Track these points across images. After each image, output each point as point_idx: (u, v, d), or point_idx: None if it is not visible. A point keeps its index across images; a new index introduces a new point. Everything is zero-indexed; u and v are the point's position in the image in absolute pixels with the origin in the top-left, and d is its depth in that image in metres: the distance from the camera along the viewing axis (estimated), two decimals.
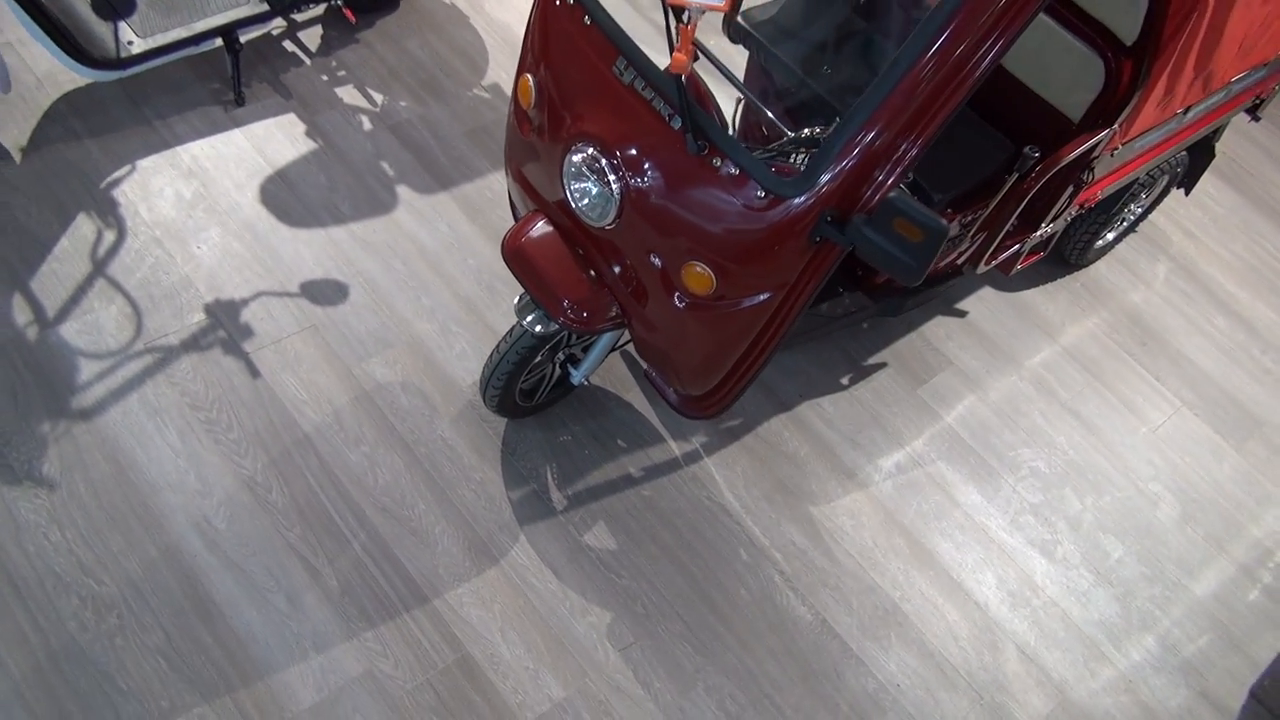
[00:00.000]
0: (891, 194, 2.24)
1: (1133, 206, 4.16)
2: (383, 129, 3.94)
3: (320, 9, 4.15)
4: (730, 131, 2.76)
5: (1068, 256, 4.19)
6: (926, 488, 3.52)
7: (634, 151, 2.55)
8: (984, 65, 2.22)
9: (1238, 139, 5.13)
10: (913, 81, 2.24)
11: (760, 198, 2.40)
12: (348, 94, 4.02)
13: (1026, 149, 3.04)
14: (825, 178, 2.33)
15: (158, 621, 2.75)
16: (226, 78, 3.90)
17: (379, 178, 3.80)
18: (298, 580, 2.89)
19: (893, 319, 3.94)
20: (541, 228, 2.89)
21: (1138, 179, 3.81)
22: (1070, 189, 3.27)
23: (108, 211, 3.48)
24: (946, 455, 3.61)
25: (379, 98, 4.03)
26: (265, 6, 3.81)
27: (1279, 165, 5.07)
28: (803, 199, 2.36)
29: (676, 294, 2.64)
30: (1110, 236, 4.31)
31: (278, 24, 4.11)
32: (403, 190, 3.79)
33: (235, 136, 3.79)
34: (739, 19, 3.46)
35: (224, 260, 3.46)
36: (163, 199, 3.56)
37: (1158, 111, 3.22)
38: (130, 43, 3.58)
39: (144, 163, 3.64)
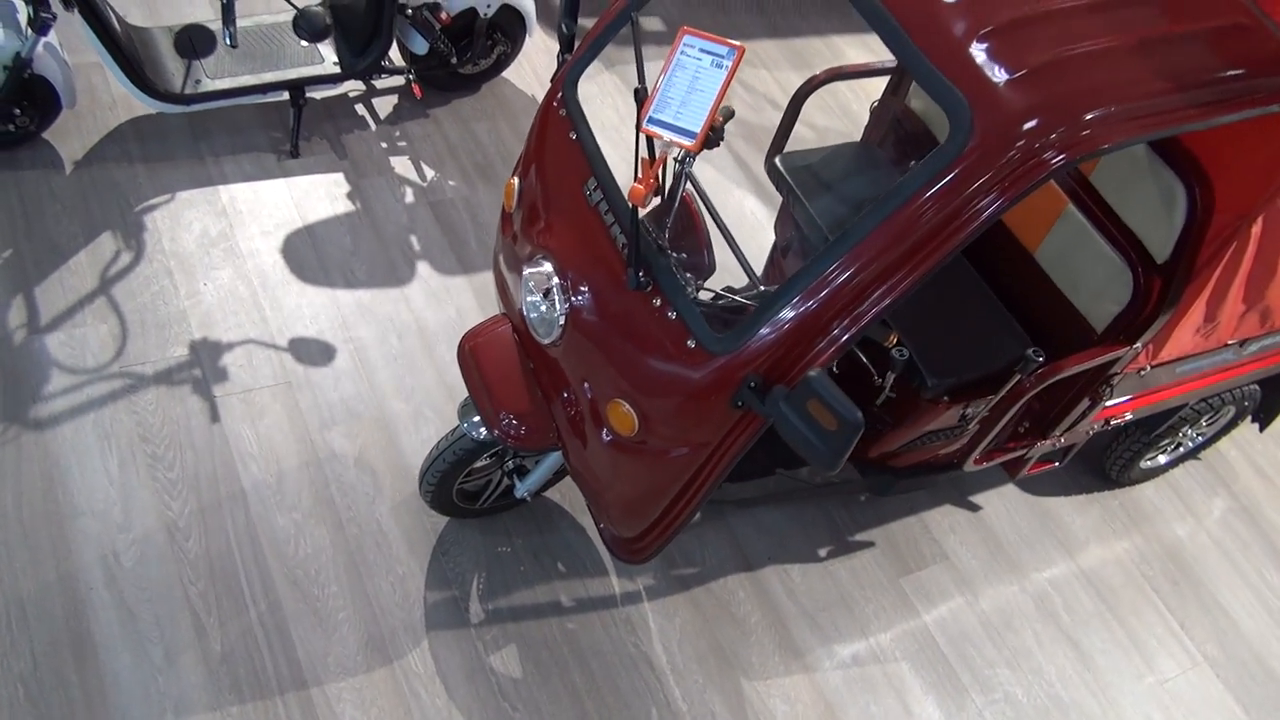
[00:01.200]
0: (812, 373, 2.06)
1: (1189, 431, 3.81)
2: (423, 204, 3.97)
3: (398, 80, 4.24)
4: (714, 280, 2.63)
5: (1108, 471, 3.86)
6: (881, 688, 3.22)
7: (584, 275, 2.46)
8: (922, 268, 2.04)
9: None
10: (855, 260, 2.08)
11: (690, 348, 2.26)
12: (401, 164, 4.07)
13: (1030, 350, 2.81)
14: (753, 340, 2.17)
15: (30, 647, 2.72)
16: (289, 128, 4.00)
17: (404, 250, 3.81)
18: (182, 636, 2.82)
19: (895, 497, 3.68)
20: (501, 334, 2.81)
21: (1185, 405, 3.49)
22: (1087, 402, 3.00)
23: (132, 234, 3.58)
24: (913, 657, 3.31)
25: (430, 173, 4.07)
26: (337, 70, 3.91)
27: None
28: (728, 358, 2.21)
29: (604, 429, 2.50)
30: (1162, 460, 3.95)
31: (353, 86, 4.22)
32: (423, 267, 3.79)
33: (279, 185, 3.87)
34: (777, 160, 3.36)
35: (225, 301, 3.50)
36: (188, 232, 3.65)
37: (1198, 339, 2.94)
38: (199, 81, 3.72)
39: (184, 194, 3.75)
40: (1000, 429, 2.90)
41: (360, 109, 4.22)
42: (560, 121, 2.59)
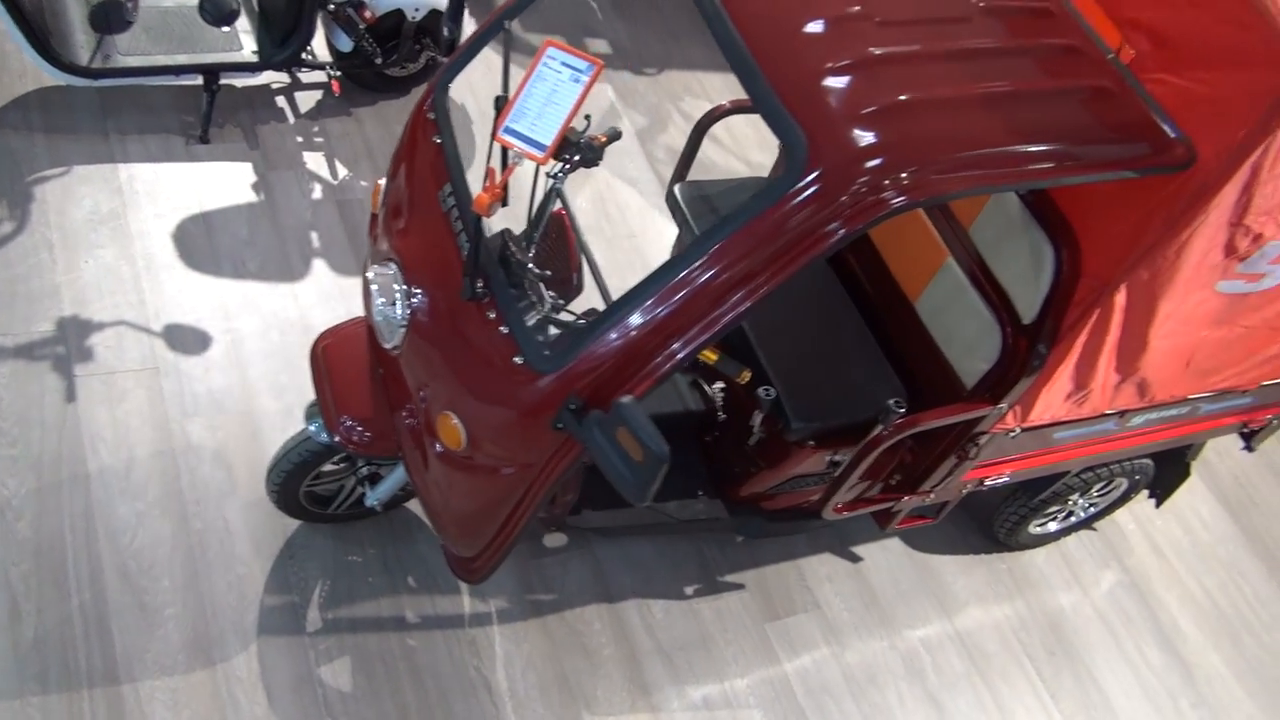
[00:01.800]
0: (623, 400, 2.00)
1: (1079, 500, 3.76)
2: (330, 201, 3.91)
3: (322, 75, 4.19)
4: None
5: (997, 533, 3.80)
6: None
7: (427, 281, 2.40)
8: (748, 301, 1.99)
9: (1257, 465, 4.65)
10: (680, 288, 2.02)
11: (517, 364, 2.20)
12: (314, 160, 4.01)
13: (892, 401, 2.76)
14: (576, 361, 2.11)
15: None
16: (203, 113, 3.94)
17: (301, 247, 3.74)
18: None
19: (774, 540, 3.61)
20: (356, 336, 2.75)
21: (1068, 473, 3.44)
22: (954, 460, 2.94)
23: (19, 204, 3.50)
24: (768, 706, 3.22)
25: (343, 172, 4.01)
26: (255, 59, 3.86)
27: None
28: (550, 378, 2.14)
29: (436, 441, 2.43)
30: (1053, 527, 3.89)
31: (277, 78, 4.16)
32: (319, 265, 3.72)
33: (183, 169, 3.80)
34: (676, 189, 3.31)
35: (103, 280, 3.42)
36: (78, 207, 3.58)
37: (1071, 406, 2.89)
38: (109, 57, 3.66)
39: (81, 169, 3.68)
40: (857, 479, 2.83)
41: (281, 101, 4.16)
42: (427, 124, 2.54)
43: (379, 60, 4.02)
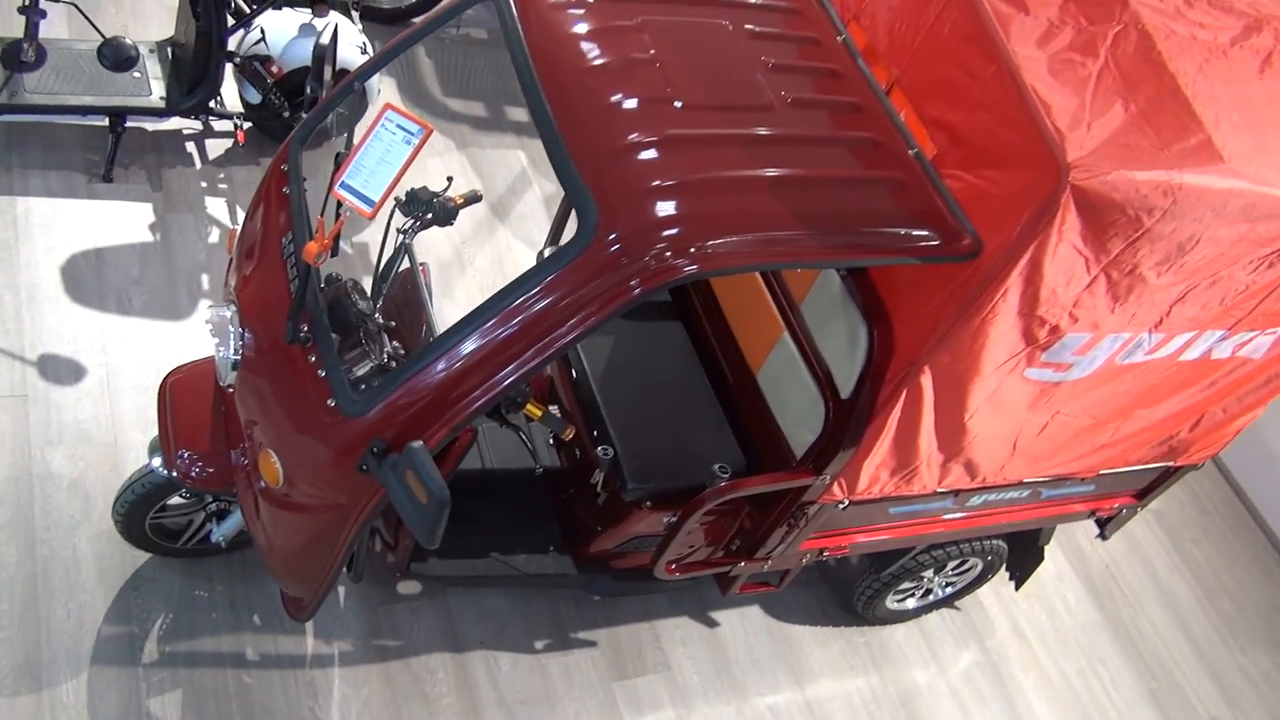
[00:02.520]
0: (413, 444, 2.09)
1: (935, 578, 3.86)
2: (223, 247, 4.01)
3: (229, 124, 4.31)
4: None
5: (855, 606, 3.88)
6: None
7: (260, 323, 2.49)
8: (533, 362, 2.11)
9: (1129, 556, 4.77)
10: (479, 338, 2.14)
11: (330, 407, 2.29)
12: (215, 205, 4.13)
13: (717, 467, 2.87)
14: (381, 405, 2.21)
15: None
16: (108, 153, 4.05)
17: (191, 288, 3.84)
18: None
19: (628, 599, 3.67)
20: (203, 374, 2.83)
21: (914, 550, 3.55)
22: (785, 528, 3.04)
23: None
24: None
25: (243, 218, 4.12)
26: (162, 105, 3.99)
27: (1162, 597, 4.66)
28: (357, 420, 2.23)
29: (260, 478, 2.51)
30: (911, 604, 3.99)
31: (188, 124, 4.29)
32: (204, 306, 3.81)
33: (81, 205, 3.91)
34: (545, 250, 3.44)
35: None
36: None
37: (900, 482, 3.00)
38: (15, 93, 3.77)
39: None
40: (688, 539, 2.92)
41: (190, 147, 4.29)
42: (280, 177, 2.66)
43: (286, 114, 4.15)
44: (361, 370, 2.46)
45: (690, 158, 2.16)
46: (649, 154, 2.13)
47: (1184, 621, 4.64)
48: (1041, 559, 3.95)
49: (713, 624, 3.74)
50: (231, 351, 2.51)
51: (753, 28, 2.50)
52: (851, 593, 3.87)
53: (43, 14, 3.60)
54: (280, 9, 3.97)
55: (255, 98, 4.11)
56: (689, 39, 2.36)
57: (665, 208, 2.08)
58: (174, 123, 4.23)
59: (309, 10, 3.95)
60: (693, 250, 2.05)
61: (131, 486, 2.87)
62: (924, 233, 2.31)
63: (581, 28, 2.30)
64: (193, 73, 3.96)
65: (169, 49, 4.13)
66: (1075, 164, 2.18)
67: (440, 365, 2.16)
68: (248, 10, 3.94)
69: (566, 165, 2.10)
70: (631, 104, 2.19)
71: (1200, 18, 2.70)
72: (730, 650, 3.70)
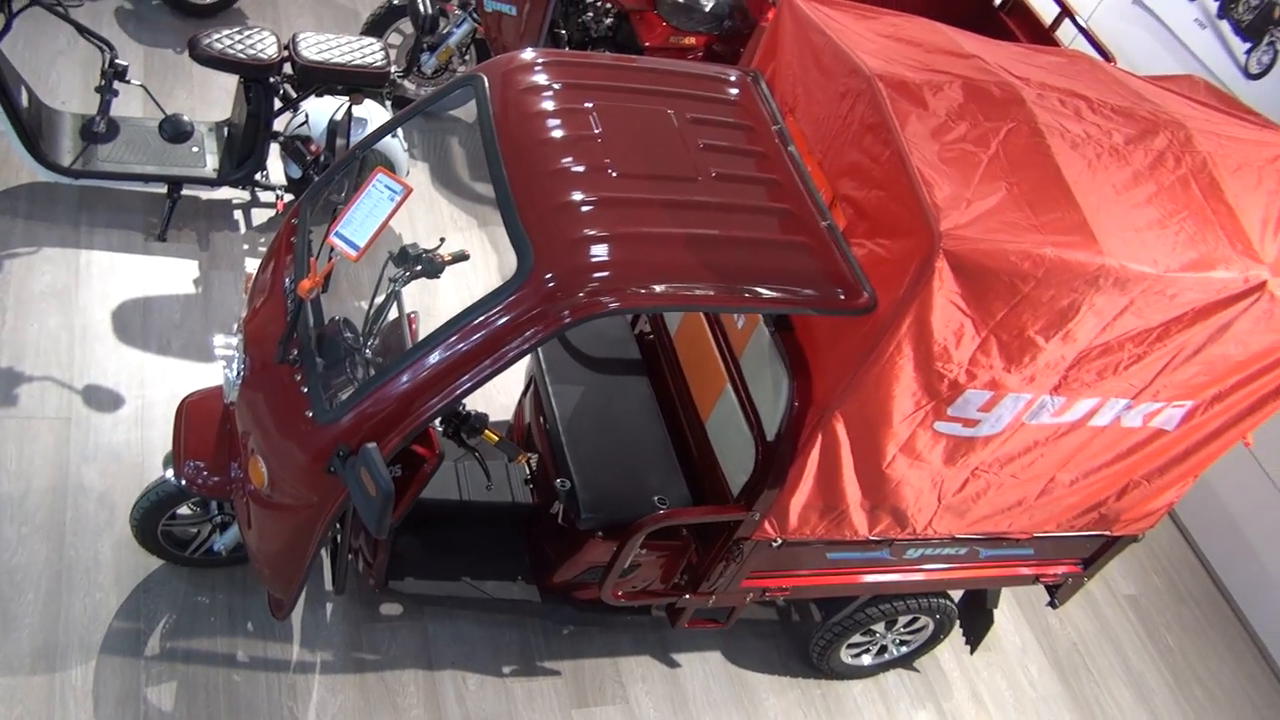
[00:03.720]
0: (368, 445, 2.48)
1: (887, 634, 4.08)
2: None
3: (272, 195, 4.84)
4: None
5: (811, 655, 4.11)
6: None
7: (261, 349, 2.92)
8: (480, 376, 2.49)
9: (1098, 637, 4.92)
10: (429, 358, 2.53)
11: (308, 417, 2.69)
12: (253, 265, 4.62)
13: (655, 498, 3.20)
14: (348, 415, 2.60)
15: None
16: (164, 216, 4.59)
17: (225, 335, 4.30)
18: None
19: (597, 632, 3.95)
20: (215, 396, 3.26)
21: (856, 598, 3.80)
22: (724, 564, 3.34)
23: None
24: None
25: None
26: (214, 176, 4.53)
27: (1130, 679, 4.79)
28: (328, 427, 2.63)
29: (250, 481, 2.91)
30: (866, 660, 4.21)
31: (237, 194, 4.83)
32: (218, 337, 4.27)
33: (137, 260, 4.43)
34: None
35: (42, 341, 3.99)
36: (38, 280, 4.19)
37: (829, 525, 3.29)
38: (88, 161, 4.34)
39: (48, 250, 4.31)
40: (624, 563, 3.23)
41: (237, 214, 4.82)
42: (292, 228, 3.12)
43: None
44: (343, 393, 2.86)
45: (618, 215, 2.56)
46: (583, 211, 2.54)
47: (1151, 705, 4.76)
48: (991, 621, 4.16)
49: (674, 664, 4.01)
50: (235, 373, 2.93)
51: (695, 115, 2.93)
52: (808, 643, 4.10)
53: (115, 93, 4.17)
54: (322, 97, 4.52)
55: (296, 173, 4.64)
56: (631, 121, 2.79)
57: (593, 254, 2.48)
58: (224, 192, 4.78)
59: (346, 98, 4.49)
60: (615, 290, 2.44)
61: (147, 494, 3.28)
62: (828, 290, 2.67)
63: (540, 109, 2.75)
64: (243, 149, 4.50)
65: (224, 128, 4.69)
66: (947, 232, 2.54)
67: (404, 377, 2.55)
68: (294, 96, 4.49)
69: (513, 216, 2.52)
70: (573, 170, 2.61)
71: (1098, 120, 3.08)
72: (688, 690, 3.95)
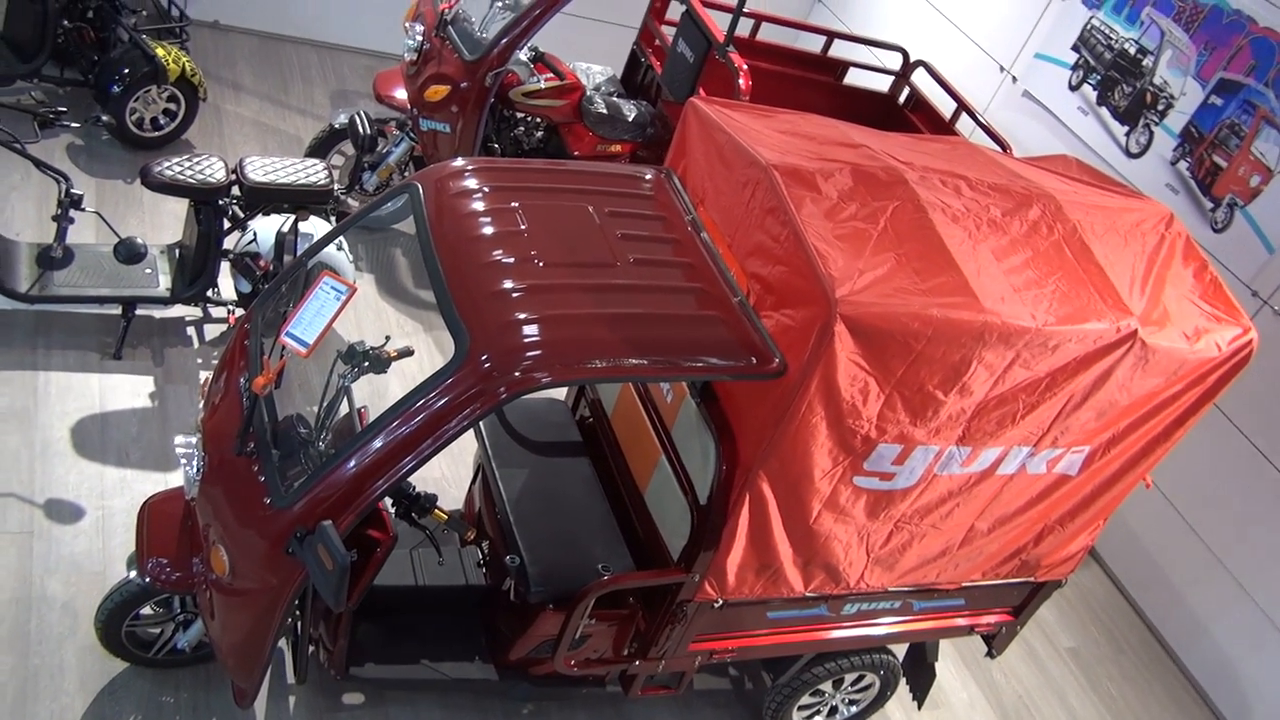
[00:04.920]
0: (324, 523, 2.66)
1: (835, 693, 4.24)
2: None
3: (224, 311, 5.06)
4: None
5: (764, 716, 4.25)
6: None
7: (219, 445, 3.11)
8: (425, 452, 2.71)
9: (1043, 689, 5.11)
10: (375, 441, 2.74)
11: (266, 503, 2.87)
12: (207, 377, 4.80)
13: (600, 566, 3.39)
14: (303, 499, 2.79)
15: None
16: (119, 335, 4.77)
17: None
18: None
19: (555, 709, 4.07)
20: (176, 498, 3.43)
21: (800, 656, 3.97)
22: (670, 628, 3.51)
23: None
24: None
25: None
26: (167, 294, 4.75)
27: None
28: (285, 511, 2.81)
29: (212, 571, 3.06)
30: None
31: (190, 312, 5.04)
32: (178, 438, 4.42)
33: (93, 378, 4.60)
34: None
35: (2, 459, 4.13)
36: None
37: (766, 583, 3.49)
38: (44, 287, 4.54)
39: (7, 374, 4.47)
40: (571, 632, 3.39)
41: (190, 331, 5.03)
42: (243, 332, 3.34)
43: None
44: (299, 481, 3.05)
45: (545, 300, 2.82)
46: (513, 297, 2.80)
47: None
48: (933, 675, 4.35)
49: None
50: (194, 469, 3.11)
51: (613, 209, 3.23)
52: (762, 704, 4.25)
53: (72, 220, 4.41)
54: (269, 215, 4.79)
55: (246, 288, 4.87)
56: (554, 217, 3.08)
57: (525, 334, 2.73)
58: (177, 310, 4.99)
59: (293, 216, 4.76)
60: (546, 366, 2.69)
61: (111, 596, 3.40)
62: (742, 357, 2.94)
63: (470, 209, 3.03)
64: (194, 268, 4.73)
65: (176, 249, 4.93)
66: (843, 299, 2.83)
67: (352, 462, 2.75)
68: (242, 216, 4.75)
69: (449, 306, 2.77)
70: (503, 262, 2.88)
71: (976, 196, 3.42)
72: None
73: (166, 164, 4.52)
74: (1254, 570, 5.18)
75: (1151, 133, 5.68)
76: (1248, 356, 3.49)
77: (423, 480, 3.16)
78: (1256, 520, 5.15)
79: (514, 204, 3.07)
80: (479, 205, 3.05)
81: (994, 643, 4.35)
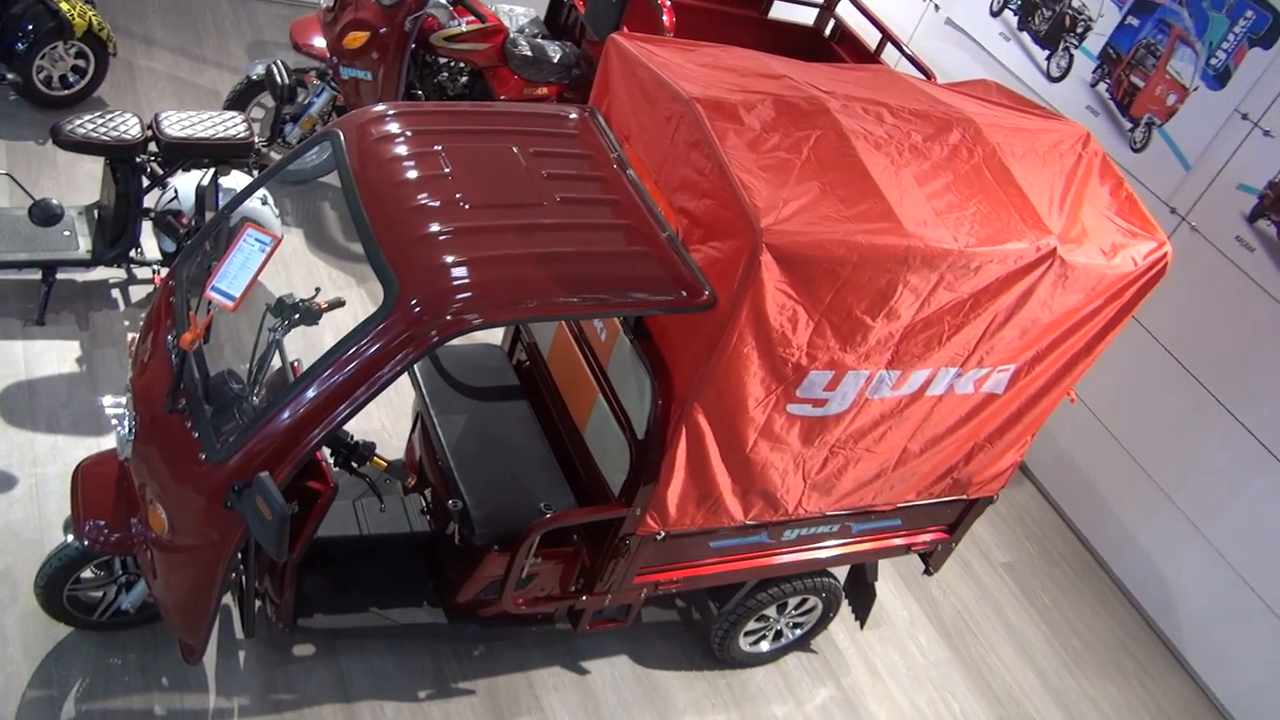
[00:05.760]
0: (261, 474, 2.66)
1: (779, 618, 4.36)
2: None
3: (148, 271, 4.96)
4: None
5: (713, 647, 4.35)
6: None
7: (150, 404, 3.08)
8: (358, 400, 2.71)
9: (980, 602, 5.29)
10: (309, 389, 2.73)
11: (201, 459, 2.86)
12: (131, 343, 4.72)
13: (542, 505, 3.43)
14: (238, 451, 2.78)
15: None
16: (40, 300, 4.67)
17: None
18: None
19: (506, 648, 4.13)
20: (108, 460, 3.39)
21: (744, 584, 4.07)
22: (615, 562, 3.57)
23: None
24: None
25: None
26: (88, 257, 4.64)
27: (1012, 638, 5.16)
28: (221, 465, 2.80)
29: (152, 531, 3.04)
30: (765, 646, 4.47)
31: (114, 274, 4.94)
32: (108, 400, 4.36)
33: (15, 345, 4.50)
34: None
35: None
36: None
37: (706, 513, 3.55)
38: None
39: None
40: (516, 571, 3.43)
41: (115, 293, 4.93)
42: (168, 289, 3.29)
43: None
44: (233, 436, 3.03)
45: (473, 242, 2.82)
46: (440, 240, 2.79)
47: (1033, 657, 5.14)
48: (874, 595, 4.48)
49: (583, 672, 4.21)
50: (127, 430, 3.08)
51: (536, 149, 3.21)
52: (709, 633, 4.35)
53: None
54: (189, 171, 4.68)
55: (170, 247, 4.78)
56: (478, 159, 3.06)
57: (454, 277, 2.72)
58: (100, 273, 4.88)
59: (213, 170, 4.66)
60: (476, 307, 2.69)
61: (49, 561, 3.37)
62: (673, 291, 2.96)
63: (393, 154, 3.00)
64: (114, 229, 4.63)
65: (94, 210, 4.81)
66: (768, 228, 2.86)
67: (286, 413, 2.74)
68: (160, 173, 4.65)
69: (376, 252, 2.75)
70: (428, 206, 2.86)
71: (897, 123, 3.46)
72: (600, 695, 4.15)
73: (78, 122, 4.40)
74: (1177, 479, 5.38)
75: (1071, 56, 5.76)
76: (1163, 270, 3.60)
77: (362, 432, 3.17)
78: (1177, 428, 5.34)
79: (437, 147, 3.04)
80: (402, 150, 3.02)
81: (931, 560, 4.49)
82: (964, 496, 4.15)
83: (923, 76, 5.55)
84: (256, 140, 4.68)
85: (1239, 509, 5.11)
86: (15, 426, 4.20)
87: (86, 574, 3.48)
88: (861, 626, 4.61)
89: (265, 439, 2.75)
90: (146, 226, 4.77)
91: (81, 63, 5.73)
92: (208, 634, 3.13)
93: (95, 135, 4.37)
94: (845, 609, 4.54)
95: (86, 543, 3.21)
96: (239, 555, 2.95)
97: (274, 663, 3.81)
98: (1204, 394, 5.19)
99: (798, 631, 4.51)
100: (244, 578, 3.30)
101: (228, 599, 3.63)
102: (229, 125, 4.61)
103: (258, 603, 3.45)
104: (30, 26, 5.40)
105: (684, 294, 2.98)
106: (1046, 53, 5.91)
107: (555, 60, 5.76)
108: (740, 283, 2.92)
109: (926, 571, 4.54)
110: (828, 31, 6.51)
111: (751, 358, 3.12)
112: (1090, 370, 3.85)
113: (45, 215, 4.26)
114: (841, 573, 4.43)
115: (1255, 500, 5.04)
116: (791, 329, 3.10)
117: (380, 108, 3.23)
